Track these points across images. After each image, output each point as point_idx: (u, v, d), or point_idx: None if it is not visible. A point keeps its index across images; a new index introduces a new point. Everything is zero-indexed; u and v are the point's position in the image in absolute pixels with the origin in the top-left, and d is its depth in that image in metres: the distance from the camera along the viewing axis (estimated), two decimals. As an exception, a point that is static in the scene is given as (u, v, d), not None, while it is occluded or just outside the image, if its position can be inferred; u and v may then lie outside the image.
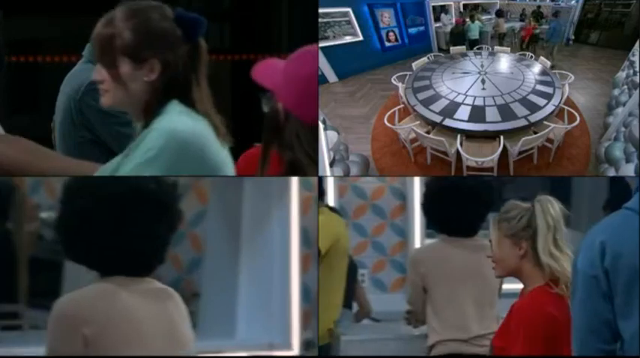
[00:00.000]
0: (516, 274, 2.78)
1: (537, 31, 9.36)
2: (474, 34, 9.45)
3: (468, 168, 5.62)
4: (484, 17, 9.84)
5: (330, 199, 4.89)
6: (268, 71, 2.32)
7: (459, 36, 9.49)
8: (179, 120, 2.32)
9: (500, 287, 3.86)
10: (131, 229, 2.13)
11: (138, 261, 2.17)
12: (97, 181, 2.21)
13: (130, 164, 2.29)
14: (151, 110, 2.36)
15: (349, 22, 8.72)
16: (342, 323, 4.12)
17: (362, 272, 4.83)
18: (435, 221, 4.18)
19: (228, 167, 2.43)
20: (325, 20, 8.17)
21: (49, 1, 7.21)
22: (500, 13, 9.76)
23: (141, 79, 2.35)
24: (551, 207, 2.74)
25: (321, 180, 4.08)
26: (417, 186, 5.26)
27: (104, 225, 2.12)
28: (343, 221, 4.04)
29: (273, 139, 2.29)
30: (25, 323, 4.26)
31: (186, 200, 4.40)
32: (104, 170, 2.41)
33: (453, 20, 9.71)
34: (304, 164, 2.25)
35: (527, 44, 9.37)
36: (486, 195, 3.96)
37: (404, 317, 4.09)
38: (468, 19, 9.55)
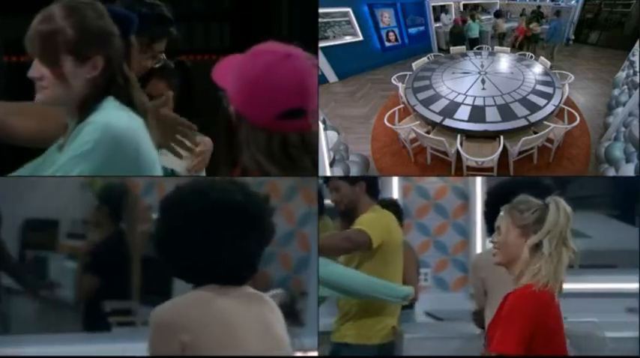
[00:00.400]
0: (512, 265, 2.80)
1: (538, 31, 9.35)
2: (474, 33, 9.45)
3: (468, 168, 5.62)
4: (484, 17, 9.84)
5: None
6: (225, 70, 2.28)
7: (458, 35, 9.49)
8: (115, 115, 2.33)
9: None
10: (220, 244, 2.15)
11: (230, 273, 2.18)
12: (189, 197, 2.19)
13: (64, 157, 2.28)
14: (87, 106, 2.35)
15: (349, 22, 8.72)
16: (404, 322, 4.16)
17: (425, 272, 4.85)
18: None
19: (157, 168, 2.44)
20: (325, 20, 8.17)
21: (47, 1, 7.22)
22: (498, 14, 9.76)
23: (83, 76, 2.35)
24: (565, 208, 2.77)
25: (376, 180, 4.11)
26: (479, 185, 5.31)
27: (194, 241, 2.14)
28: (393, 216, 4.02)
29: (225, 141, 2.25)
30: (137, 319, 4.37)
31: (294, 201, 4.63)
32: (27, 167, 2.42)
33: (452, 20, 9.72)
34: (250, 169, 2.18)
35: (520, 44, 9.36)
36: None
37: (472, 318, 4.09)
38: (468, 19, 9.55)
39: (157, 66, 3.53)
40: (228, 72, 2.24)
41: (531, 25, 9.33)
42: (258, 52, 2.23)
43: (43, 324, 4.58)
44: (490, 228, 4.14)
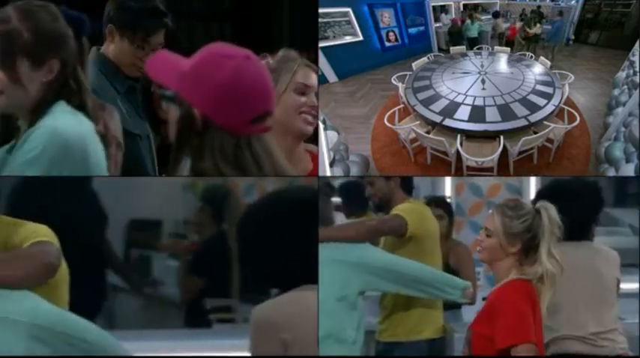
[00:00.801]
0: (496, 265, 2.85)
1: (539, 31, 9.35)
2: (473, 32, 9.45)
3: (468, 168, 5.62)
4: (483, 17, 9.84)
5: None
6: (166, 68, 2.23)
7: (456, 35, 9.49)
8: (64, 120, 2.31)
9: (618, 288, 3.83)
10: (294, 248, 2.25)
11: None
12: (263, 207, 2.31)
13: (15, 161, 2.28)
14: (39, 110, 2.34)
15: (349, 22, 8.71)
16: (453, 321, 4.14)
17: (477, 271, 4.80)
18: None
19: (105, 172, 2.43)
20: (325, 20, 8.17)
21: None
22: (497, 14, 9.76)
23: (39, 79, 2.33)
24: (553, 215, 2.81)
25: (410, 179, 4.09)
26: (532, 182, 5.29)
27: (267, 247, 2.25)
28: (429, 208, 3.98)
29: (185, 144, 2.19)
30: (238, 316, 4.45)
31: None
32: None
33: (450, 19, 9.72)
34: (209, 172, 2.16)
35: (511, 43, 9.37)
36: (597, 198, 3.89)
37: None
38: (467, 18, 9.55)
39: None
40: (173, 71, 2.19)
41: (532, 30, 9.32)
42: (218, 54, 2.19)
43: (147, 320, 4.78)
44: None
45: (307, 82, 2.98)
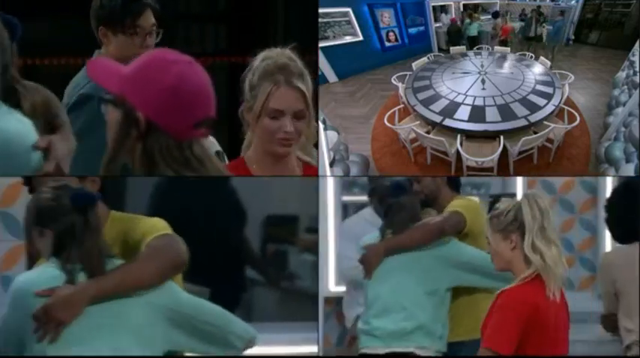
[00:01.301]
0: (510, 266, 2.87)
1: (544, 32, 9.36)
2: (472, 31, 9.46)
3: (468, 168, 5.62)
4: (483, 17, 9.84)
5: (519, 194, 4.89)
6: (107, 71, 2.25)
7: (456, 34, 9.49)
8: (3, 119, 2.37)
9: None
10: None
11: None
12: None
13: None
14: None
15: (349, 22, 8.71)
16: None
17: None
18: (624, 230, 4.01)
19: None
20: (325, 20, 8.17)
21: (49, 3, 7.25)
22: (496, 14, 9.76)
23: None
24: (537, 202, 2.84)
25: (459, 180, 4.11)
26: (609, 179, 5.16)
27: None
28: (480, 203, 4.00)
29: (124, 147, 2.19)
30: None
31: None
32: None
33: (450, 18, 9.72)
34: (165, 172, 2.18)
35: (505, 41, 9.38)
36: None
37: (601, 321, 4.03)
38: (467, 18, 9.55)
39: (159, 39, 3.60)
40: (114, 75, 2.20)
41: (537, 31, 9.35)
42: (162, 58, 2.20)
43: (284, 313, 4.83)
44: (612, 234, 4.09)
45: (281, 106, 2.81)
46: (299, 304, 4.87)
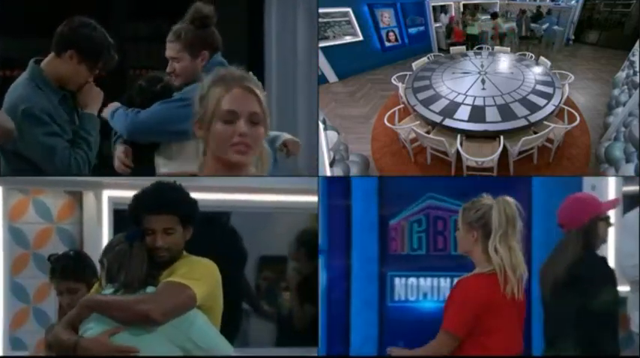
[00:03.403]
0: (470, 254, 3.26)
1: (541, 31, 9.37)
2: (472, 30, 9.47)
3: (468, 168, 5.62)
4: (483, 17, 9.84)
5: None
6: None
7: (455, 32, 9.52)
8: None
9: None
10: None
11: None
12: None
13: None
14: None
15: (349, 22, 8.71)
16: None
17: None
18: None
19: None
20: (325, 20, 8.17)
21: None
22: (495, 15, 9.77)
23: None
24: (506, 208, 3.20)
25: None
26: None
27: None
28: None
29: None
30: None
31: None
32: None
33: (448, 17, 9.73)
34: None
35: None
36: None
37: None
38: (468, 18, 9.56)
39: None
40: None
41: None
42: None
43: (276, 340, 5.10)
44: None
45: (234, 107, 2.50)
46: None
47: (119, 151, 4.00)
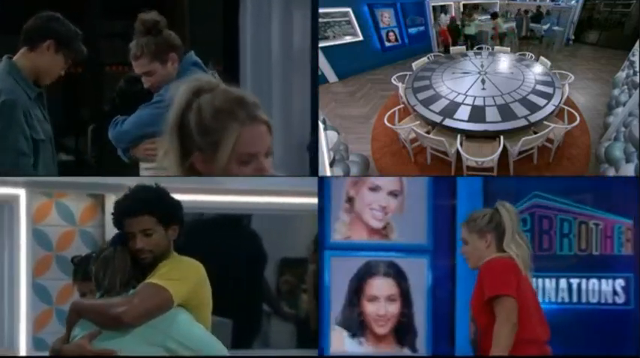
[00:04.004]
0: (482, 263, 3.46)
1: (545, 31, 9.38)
2: (471, 30, 9.47)
3: (468, 168, 5.63)
4: (483, 17, 9.84)
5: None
6: None
7: (455, 32, 9.50)
8: None
9: None
10: None
11: None
12: None
13: None
14: None
15: (349, 22, 8.71)
16: None
17: None
18: None
19: None
20: (325, 20, 8.17)
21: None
22: (495, 15, 9.77)
23: None
24: (509, 209, 3.49)
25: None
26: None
27: None
28: None
29: None
30: None
31: None
32: None
33: (449, 17, 9.73)
34: None
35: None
36: None
37: None
38: (467, 18, 9.56)
39: None
40: None
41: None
42: None
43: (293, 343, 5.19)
44: None
45: (255, 149, 2.25)
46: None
47: (146, 144, 4.02)
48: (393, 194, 4.31)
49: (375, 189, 4.30)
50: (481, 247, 3.45)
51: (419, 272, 4.47)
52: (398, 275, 4.36)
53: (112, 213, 2.84)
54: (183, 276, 2.76)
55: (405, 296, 4.34)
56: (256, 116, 2.26)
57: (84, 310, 2.75)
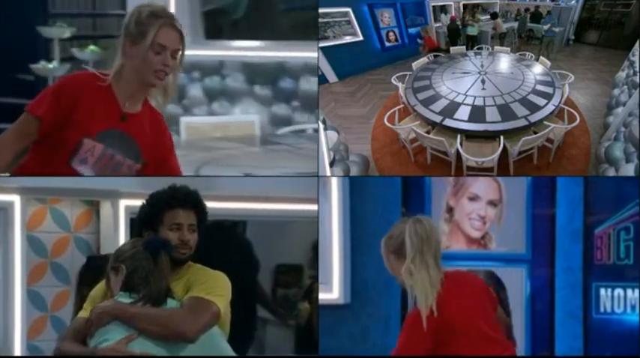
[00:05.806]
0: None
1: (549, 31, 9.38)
2: (471, 30, 9.47)
3: (468, 168, 5.62)
4: (483, 17, 9.84)
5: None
6: None
7: (455, 32, 9.50)
8: None
9: None
10: None
11: None
12: None
13: None
14: None
15: (349, 22, 8.71)
16: None
17: None
18: None
19: None
20: (325, 20, 8.17)
21: None
22: (495, 15, 9.77)
23: None
24: (418, 228, 2.97)
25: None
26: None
27: None
28: None
29: None
30: None
31: None
32: None
33: (449, 17, 9.73)
34: None
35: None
36: None
37: None
38: (468, 18, 9.56)
39: None
40: None
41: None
42: None
43: (289, 348, 5.20)
44: None
45: (164, 42, 3.23)
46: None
47: None
48: (492, 204, 4.22)
49: (474, 198, 4.21)
50: (400, 268, 2.99)
51: (517, 282, 4.42)
52: (497, 285, 4.07)
53: (150, 204, 2.81)
54: (226, 291, 2.84)
55: (503, 306, 4.20)
56: (174, 24, 3.27)
57: (132, 317, 2.68)
